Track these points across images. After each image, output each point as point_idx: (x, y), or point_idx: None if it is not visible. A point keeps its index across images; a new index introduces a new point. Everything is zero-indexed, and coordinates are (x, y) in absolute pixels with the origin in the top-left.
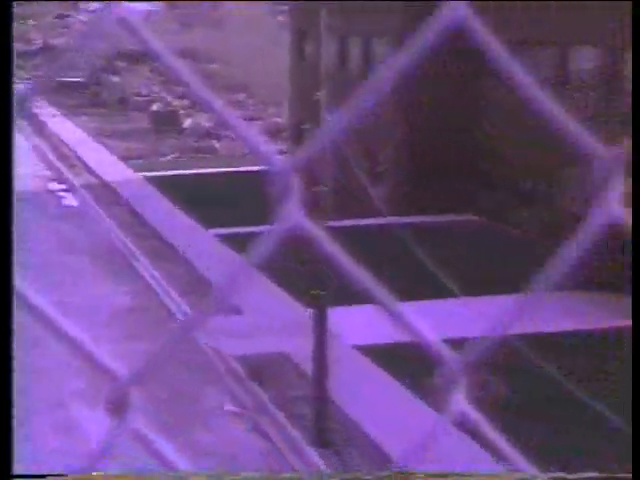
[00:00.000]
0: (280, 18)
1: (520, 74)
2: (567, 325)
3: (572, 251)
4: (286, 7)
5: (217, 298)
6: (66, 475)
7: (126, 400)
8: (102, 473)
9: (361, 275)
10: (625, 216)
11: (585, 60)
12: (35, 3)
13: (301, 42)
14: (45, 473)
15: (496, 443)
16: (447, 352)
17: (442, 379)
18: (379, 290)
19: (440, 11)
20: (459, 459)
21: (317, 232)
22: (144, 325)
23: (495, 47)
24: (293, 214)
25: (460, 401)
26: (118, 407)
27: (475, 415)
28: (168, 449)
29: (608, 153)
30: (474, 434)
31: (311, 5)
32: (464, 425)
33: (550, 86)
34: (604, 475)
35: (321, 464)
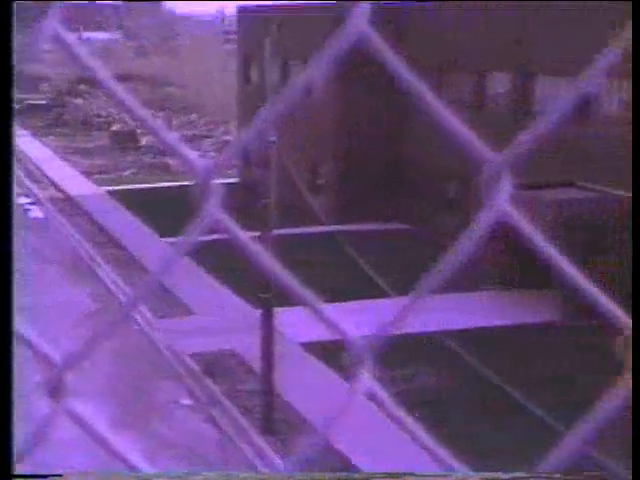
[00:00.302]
0: (227, 46)
1: (415, 84)
2: (492, 321)
3: (460, 251)
4: (234, 36)
5: (148, 284)
6: (66, 475)
7: (62, 384)
8: (102, 473)
9: (281, 274)
10: (515, 216)
11: (499, 84)
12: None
13: (246, 67)
14: (45, 473)
15: (401, 419)
16: (354, 336)
17: (350, 359)
18: (297, 286)
19: (343, 28)
20: (373, 431)
21: (238, 231)
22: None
23: (392, 60)
24: (213, 211)
25: (367, 379)
26: (55, 391)
27: (381, 393)
28: (107, 431)
29: (496, 157)
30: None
31: (256, 34)
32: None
33: (468, 107)
34: (604, 474)
35: (269, 451)
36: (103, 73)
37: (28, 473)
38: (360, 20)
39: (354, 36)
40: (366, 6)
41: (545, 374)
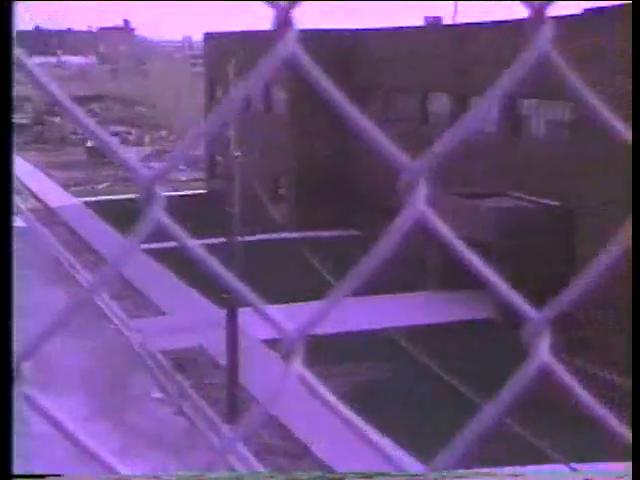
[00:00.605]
0: (195, 69)
1: (341, 102)
2: (435, 318)
3: (379, 253)
4: (200, 60)
5: (107, 274)
6: (66, 475)
7: (18, 372)
8: (100, 475)
9: (225, 275)
10: (432, 218)
11: (440, 104)
12: None
13: (212, 88)
14: (45, 473)
15: (333, 404)
16: (287, 326)
17: (285, 349)
18: (240, 286)
19: (274, 47)
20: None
21: (181, 234)
22: (82, 323)
23: (320, 79)
24: (158, 215)
25: (298, 366)
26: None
27: (312, 379)
28: (65, 418)
29: (413, 164)
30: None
31: (221, 58)
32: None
33: (414, 122)
34: (603, 473)
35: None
36: (60, 94)
37: (28, 473)
38: (291, 42)
39: (284, 57)
40: (296, 30)
41: (480, 365)
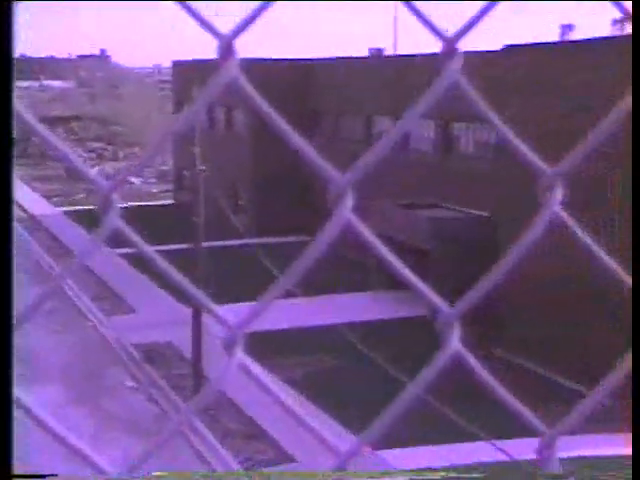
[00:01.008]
0: (164, 93)
1: (277, 122)
2: (379, 315)
3: (309, 256)
4: (169, 85)
5: (70, 266)
6: (64, 475)
7: None
8: (99, 476)
9: (175, 276)
10: (358, 226)
11: (382, 126)
12: None
13: (179, 109)
14: (45, 473)
15: (274, 392)
16: (229, 320)
17: (227, 340)
18: (188, 286)
19: (218, 72)
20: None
21: (135, 237)
22: (63, 322)
23: (260, 104)
24: (113, 221)
25: (240, 355)
26: None
27: (254, 367)
28: (28, 400)
29: (341, 177)
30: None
31: (186, 83)
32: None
33: (359, 142)
34: (604, 474)
35: (198, 423)
36: (31, 119)
37: (28, 473)
38: (233, 69)
39: (226, 83)
40: (238, 59)
41: (414, 356)
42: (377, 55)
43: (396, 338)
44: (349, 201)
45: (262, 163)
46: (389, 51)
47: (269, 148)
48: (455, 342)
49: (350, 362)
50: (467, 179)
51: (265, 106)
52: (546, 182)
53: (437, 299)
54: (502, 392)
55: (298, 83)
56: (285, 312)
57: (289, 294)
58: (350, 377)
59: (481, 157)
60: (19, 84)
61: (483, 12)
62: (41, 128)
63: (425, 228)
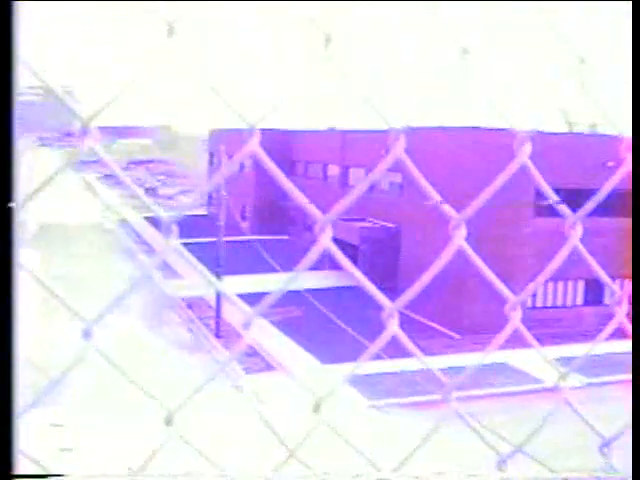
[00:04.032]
0: (204, 148)
1: (277, 173)
2: (329, 284)
3: (302, 267)
4: (206, 144)
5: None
6: (66, 475)
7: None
8: (101, 476)
9: (191, 259)
10: (332, 247)
11: (333, 171)
12: None
13: (212, 160)
14: (45, 473)
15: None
16: (248, 308)
17: (245, 321)
18: (203, 270)
19: (244, 146)
20: None
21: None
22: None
23: (267, 161)
24: (171, 243)
25: (255, 331)
26: None
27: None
28: None
29: (323, 216)
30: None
31: (216, 144)
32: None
33: (321, 180)
34: (604, 474)
35: (218, 345)
36: (115, 166)
37: (28, 473)
38: (254, 141)
39: (249, 152)
40: (259, 132)
41: (359, 315)
42: (330, 130)
43: (337, 298)
44: (329, 231)
45: (260, 193)
46: (340, 128)
47: (265, 184)
48: (394, 326)
49: (307, 311)
50: (383, 205)
51: (270, 164)
52: (454, 222)
53: (382, 297)
54: (413, 349)
55: (284, 144)
56: (272, 284)
57: (277, 271)
58: (307, 320)
59: (392, 192)
60: (121, 141)
61: None
62: (119, 171)
63: (356, 233)
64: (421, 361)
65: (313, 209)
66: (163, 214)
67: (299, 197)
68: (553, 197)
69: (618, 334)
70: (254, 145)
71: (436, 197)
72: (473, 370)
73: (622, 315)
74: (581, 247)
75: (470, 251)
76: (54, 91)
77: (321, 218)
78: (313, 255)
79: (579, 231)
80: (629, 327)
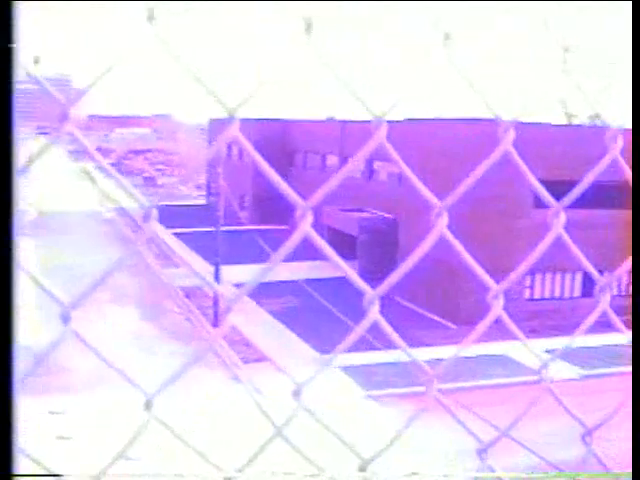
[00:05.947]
0: (203, 137)
1: (261, 162)
2: (323, 275)
3: (282, 252)
4: (206, 133)
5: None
6: (66, 475)
7: (65, 320)
8: (100, 476)
9: (181, 249)
10: (313, 234)
11: (332, 161)
12: None
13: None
14: (45, 473)
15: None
16: (223, 294)
17: (223, 307)
18: (193, 255)
19: (224, 131)
20: None
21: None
22: (139, 271)
23: (252, 151)
24: (153, 226)
25: (231, 320)
26: None
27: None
28: None
29: (304, 202)
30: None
31: (215, 132)
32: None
33: (320, 169)
34: (604, 474)
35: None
36: (100, 159)
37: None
38: (234, 128)
39: (230, 137)
40: (238, 120)
41: (352, 303)
42: (330, 120)
43: (334, 288)
44: (309, 218)
45: (258, 182)
46: (339, 118)
47: (264, 174)
48: (375, 313)
49: (305, 302)
50: (381, 195)
51: (254, 153)
52: (437, 210)
53: (363, 284)
54: (396, 338)
55: (281, 134)
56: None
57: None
58: (305, 310)
59: (391, 183)
60: (120, 130)
61: None
62: (104, 163)
63: (354, 223)
64: (405, 351)
65: (294, 196)
66: (143, 199)
67: (280, 184)
68: (537, 185)
69: (613, 326)
70: (234, 130)
71: (419, 185)
72: (452, 361)
73: (606, 304)
74: (566, 236)
75: (452, 238)
76: (39, 79)
77: (302, 205)
78: (292, 243)
79: (562, 219)
80: (613, 317)
